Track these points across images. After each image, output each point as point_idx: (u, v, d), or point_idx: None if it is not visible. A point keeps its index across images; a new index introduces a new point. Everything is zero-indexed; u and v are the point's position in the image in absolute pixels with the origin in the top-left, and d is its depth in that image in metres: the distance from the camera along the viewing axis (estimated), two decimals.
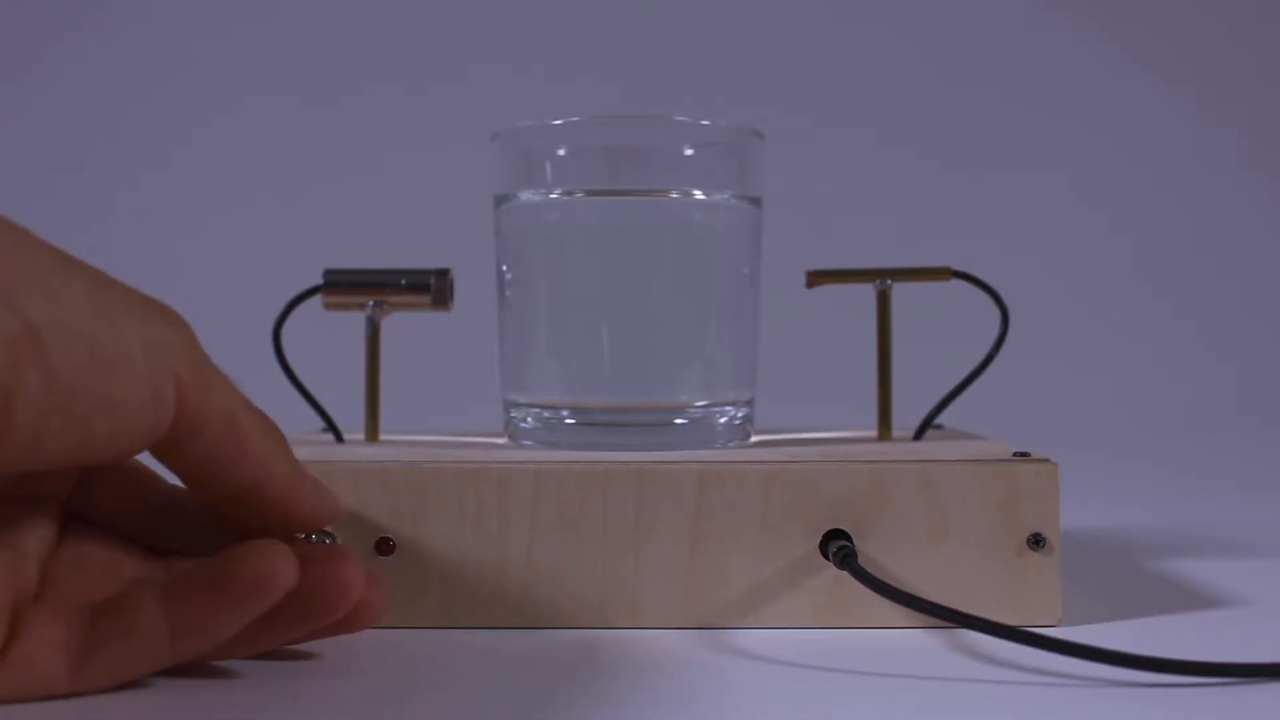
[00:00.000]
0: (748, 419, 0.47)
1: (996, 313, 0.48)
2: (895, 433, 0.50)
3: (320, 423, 0.49)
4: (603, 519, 0.40)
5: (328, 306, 0.48)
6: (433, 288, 0.47)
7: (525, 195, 0.45)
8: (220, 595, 0.31)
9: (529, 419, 0.45)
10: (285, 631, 0.33)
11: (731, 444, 0.45)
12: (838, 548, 0.39)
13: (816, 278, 0.49)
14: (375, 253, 0.68)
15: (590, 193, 0.44)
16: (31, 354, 0.27)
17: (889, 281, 0.48)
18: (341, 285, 0.48)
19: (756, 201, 0.46)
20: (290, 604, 0.32)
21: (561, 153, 0.45)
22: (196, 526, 0.36)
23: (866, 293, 0.49)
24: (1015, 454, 0.41)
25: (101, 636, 0.31)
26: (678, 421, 0.44)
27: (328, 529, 0.38)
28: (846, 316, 0.78)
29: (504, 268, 0.47)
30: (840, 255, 0.56)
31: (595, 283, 0.45)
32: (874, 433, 0.50)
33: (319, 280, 0.48)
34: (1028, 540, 0.39)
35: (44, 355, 0.28)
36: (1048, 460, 0.40)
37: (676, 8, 1.37)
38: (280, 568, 0.31)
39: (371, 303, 0.47)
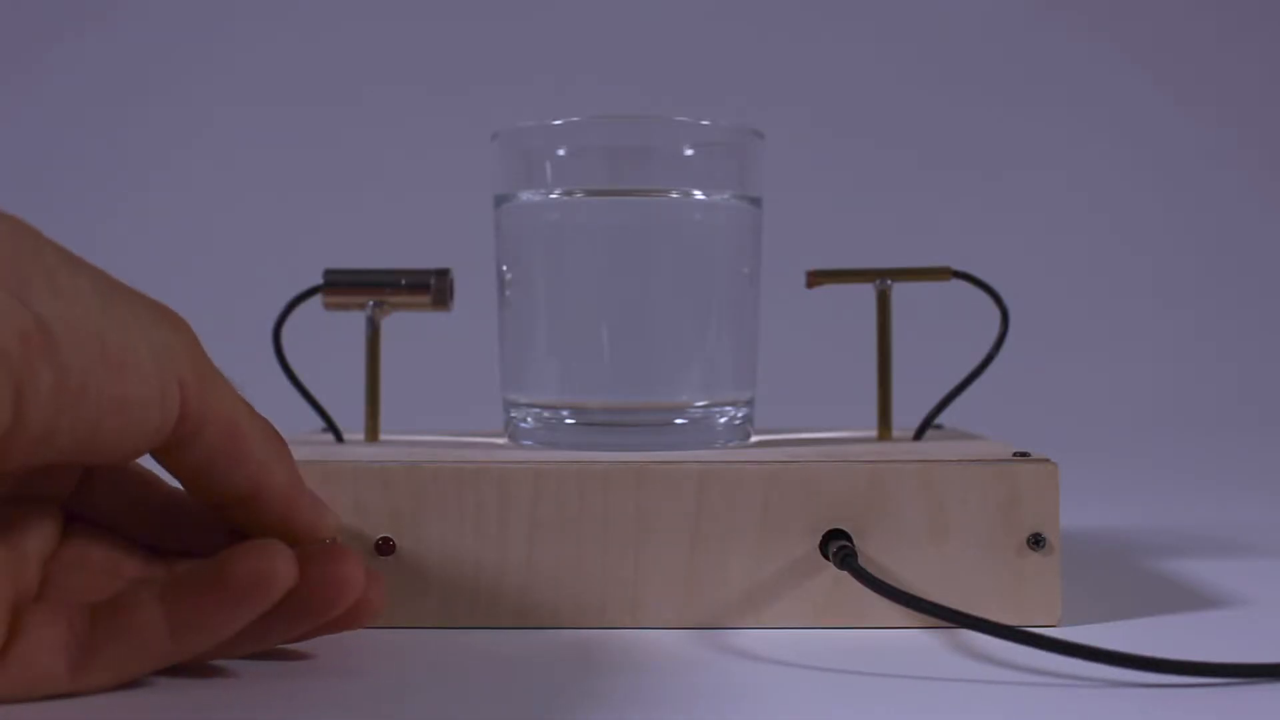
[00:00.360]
0: (748, 419, 0.47)
1: (996, 313, 0.48)
2: (895, 433, 0.50)
3: (320, 423, 0.49)
4: (603, 519, 0.40)
5: (328, 306, 0.48)
6: (433, 288, 0.47)
7: (525, 195, 0.45)
8: (219, 595, 0.31)
9: (529, 419, 0.45)
10: (286, 629, 0.33)
11: (731, 444, 0.45)
12: (838, 548, 0.39)
13: (816, 278, 0.49)
14: (375, 253, 0.68)
15: (590, 193, 0.44)
16: (44, 350, 0.27)
17: (889, 281, 0.48)
18: (341, 285, 0.48)
19: (756, 201, 0.46)
20: (290, 602, 0.32)
21: (561, 153, 0.45)
22: (197, 527, 0.36)
23: (866, 293, 0.49)
24: (1015, 454, 0.41)
25: (101, 636, 0.31)
26: (678, 421, 0.44)
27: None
28: (846, 316, 0.78)
29: (504, 268, 0.47)
30: (840, 255, 0.56)
31: (595, 283, 0.45)
32: (874, 433, 0.50)
33: (319, 280, 0.48)
34: (1028, 540, 0.39)
35: (56, 351, 0.28)
36: (1048, 460, 0.40)
37: (676, 8, 1.37)
38: (279, 567, 0.31)
39: (371, 303, 0.47)
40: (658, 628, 0.40)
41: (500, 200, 0.46)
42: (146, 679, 0.33)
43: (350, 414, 0.50)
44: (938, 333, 0.97)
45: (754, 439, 0.47)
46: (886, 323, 0.49)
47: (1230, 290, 1.34)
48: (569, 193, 0.44)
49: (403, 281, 0.47)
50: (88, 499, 0.35)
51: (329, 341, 0.70)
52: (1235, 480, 0.84)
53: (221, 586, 0.31)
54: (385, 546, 0.40)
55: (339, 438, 0.49)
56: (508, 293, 0.46)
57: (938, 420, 0.52)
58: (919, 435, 0.50)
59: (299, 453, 0.42)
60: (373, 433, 0.48)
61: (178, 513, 0.36)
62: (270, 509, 0.34)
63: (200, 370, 0.31)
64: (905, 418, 0.50)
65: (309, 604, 0.33)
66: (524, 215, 0.45)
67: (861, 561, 0.39)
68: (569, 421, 0.44)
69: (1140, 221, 1.36)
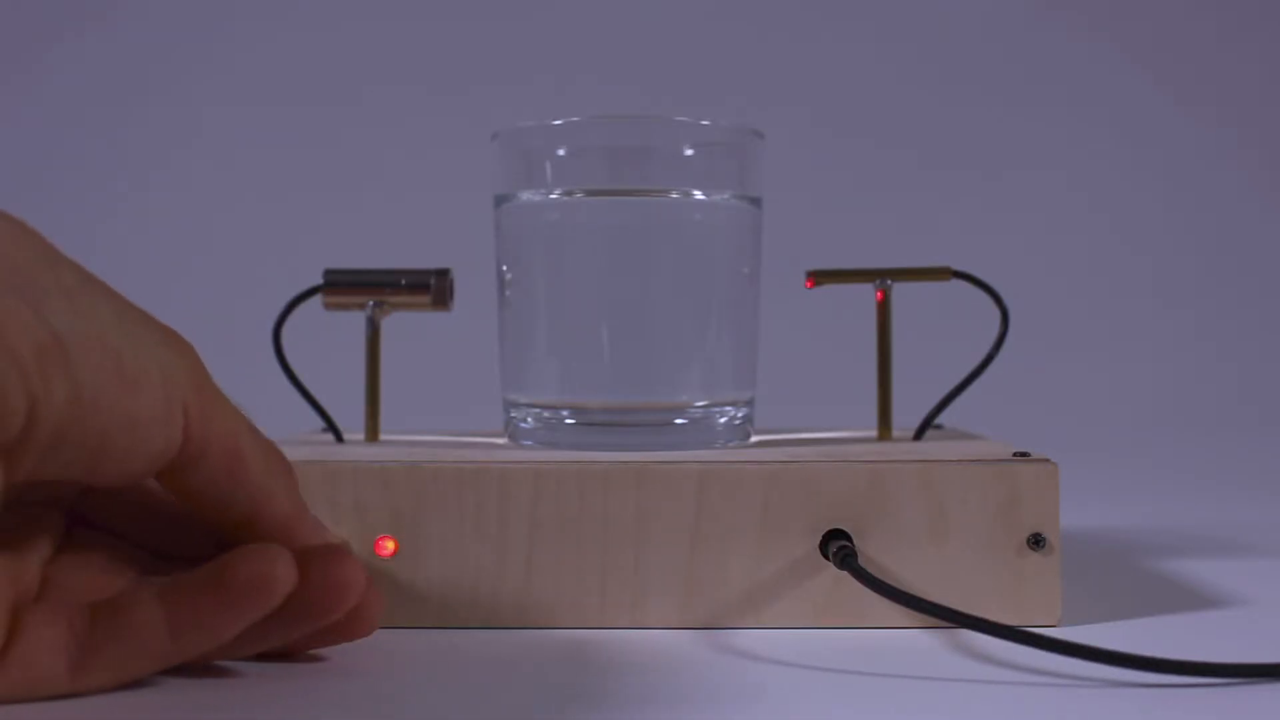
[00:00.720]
0: (748, 419, 0.47)
1: (996, 313, 0.48)
2: (895, 433, 0.50)
3: (320, 423, 0.49)
4: (603, 519, 0.40)
5: (328, 306, 0.48)
6: (433, 288, 0.47)
7: (525, 195, 0.45)
8: (220, 597, 0.31)
9: (529, 419, 0.45)
10: (286, 631, 0.33)
11: (731, 444, 0.45)
12: (838, 548, 0.39)
13: (816, 278, 0.49)
14: (375, 253, 0.68)
15: (590, 193, 0.44)
16: (59, 362, 0.28)
17: (889, 281, 0.48)
18: (341, 285, 0.48)
19: (756, 201, 0.46)
20: (291, 604, 0.32)
21: (561, 153, 0.45)
22: (199, 531, 0.36)
23: (866, 293, 0.49)
24: (1015, 454, 0.41)
25: (101, 636, 0.31)
26: (678, 421, 0.44)
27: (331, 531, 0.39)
28: (846, 316, 0.78)
29: (504, 268, 0.47)
30: (840, 255, 0.56)
31: (595, 283, 0.45)
32: (874, 433, 0.50)
33: (319, 280, 0.48)
34: (1028, 540, 0.39)
35: (70, 365, 0.28)
36: (1048, 460, 0.40)
37: (676, 8, 1.37)
38: (280, 571, 0.32)
39: (371, 303, 0.47)
40: (658, 628, 0.40)
41: (500, 200, 0.46)
42: (147, 678, 0.33)
43: (350, 414, 0.50)
44: (938, 333, 0.97)
45: (754, 439, 0.47)
46: (886, 323, 0.49)
47: (1230, 290, 1.34)
48: (569, 193, 0.44)
49: (403, 281, 0.47)
50: (90, 502, 0.35)
51: (329, 341, 0.70)
52: (1235, 480, 0.84)
53: (222, 589, 0.31)
54: (385, 548, 0.40)
55: (339, 438, 0.49)
56: (508, 293, 0.46)
57: (938, 420, 0.52)
58: (919, 435, 0.50)
59: (299, 453, 0.42)
60: (373, 433, 0.48)
61: (179, 517, 0.36)
62: (270, 534, 0.34)
63: (204, 394, 0.31)
64: (905, 418, 0.50)
65: (310, 606, 0.33)
66: (524, 215, 0.45)
67: (861, 561, 0.39)
68: (569, 421, 0.44)
69: (1140, 221, 1.36)
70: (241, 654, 0.34)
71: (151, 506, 0.36)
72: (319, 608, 0.33)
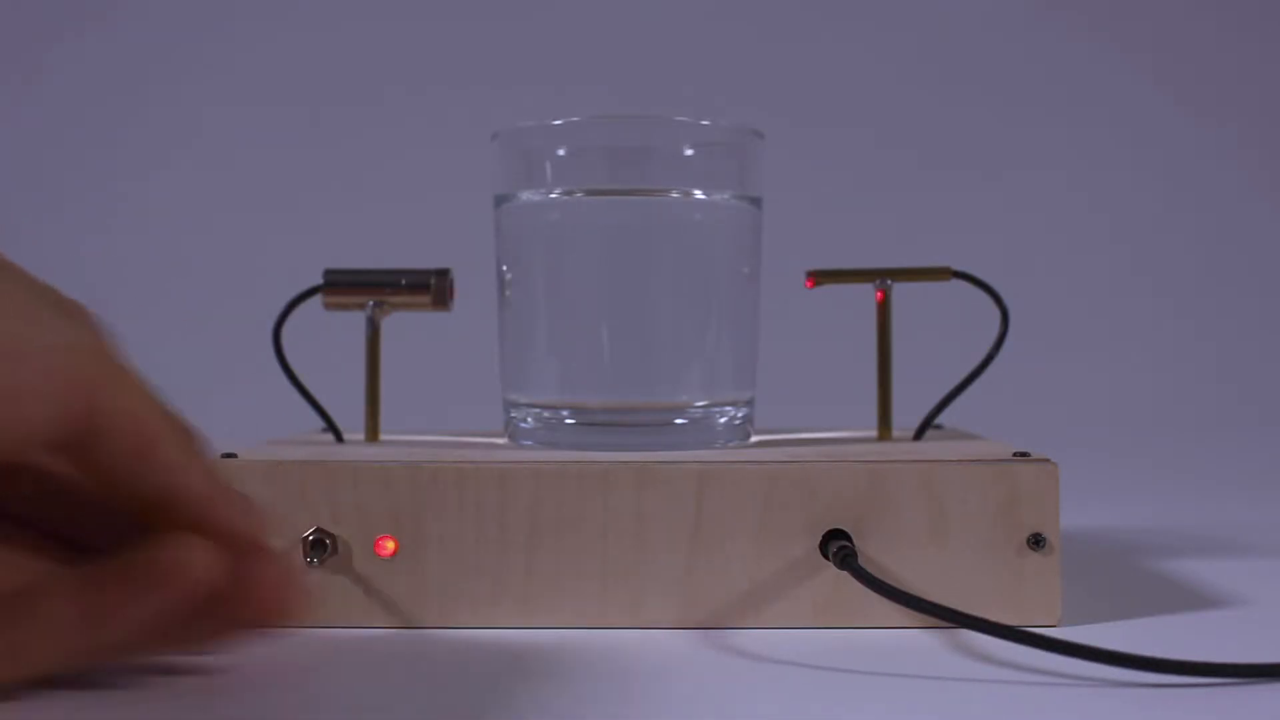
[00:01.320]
0: (748, 419, 0.47)
1: (996, 313, 0.48)
2: (895, 433, 0.50)
3: (320, 423, 0.49)
4: (603, 519, 0.40)
5: (328, 306, 0.48)
6: (433, 288, 0.47)
7: (525, 195, 0.45)
8: (131, 584, 0.31)
9: (529, 419, 0.45)
10: (209, 628, 0.33)
11: (731, 444, 0.45)
12: (838, 548, 0.39)
13: (816, 278, 0.49)
14: (375, 253, 0.68)
15: (590, 193, 0.44)
16: None
17: (889, 281, 0.49)
18: (341, 285, 0.48)
19: (756, 201, 0.46)
20: (209, 598, 0.31)
21: (561, 153, 0.45)
22: (121, 522, 0.34)
23: (866, 293, 0.49)
24: (1015, 454, 0.41)
25: (4, 624, 0.31)
26: (678, 421, 0.44)
27: (332, 531, 0.39)
28: (846, 316, 0.78)
29: (504, 268, 0.47)
30: (840, 255, 0.56)
31: (595, 283, 0.45)
32: (874, 433, 0.50)
33: (319, 280, 0.48)
34: (1028, 540, 0.39)
35: None
36: (1048, 460, 0.40)
37: (676, 8, 1.37)
38: (196, 558, 0.31)
39: (371, 303, 0.47)
40: (658, 628, 0.40)
41: (500, 200, 0.46)
42: (139, 679, 0.33)
43: (350, 414, 0.50)
44: (938, 333, 0.97)
45: (754, 439, 0.47)
46: (886, 323, 0.49)
47: (1230, 290, 1.34)
48: (569, 193, 0.44)
49: (403, 281, 0.47)
50: (3, 489, 0.34)
51: (329, 341, 0.70)
52: (1235, 480, 0.84)
53: (133, 575, 0.31)
54: (385, 548, 0.40)
55: (339, 438, 0.49)
56: (508, 293, 0.46)
57: (938, 420, 0.52)
58: (919, 435, 0.50)
59: (299, 453, 0.42)
60: (373, 433, 0.48)
61: (97, 506, 0.34)
62: (187, 515, 0.32)
63: (105, 368, 0.30)
64: (905, 418, 0.50)
65: (225, 602, 0.32)
66: (524, 215, 0.45)
67: (861, 561, 0.39)
68: (569, 421, 0.44)
69: (1140, 221, 1.35)
70: (161, 650, 0.33)
71: (67, 494, 0.34)
72: (239, 603, 0.32)
